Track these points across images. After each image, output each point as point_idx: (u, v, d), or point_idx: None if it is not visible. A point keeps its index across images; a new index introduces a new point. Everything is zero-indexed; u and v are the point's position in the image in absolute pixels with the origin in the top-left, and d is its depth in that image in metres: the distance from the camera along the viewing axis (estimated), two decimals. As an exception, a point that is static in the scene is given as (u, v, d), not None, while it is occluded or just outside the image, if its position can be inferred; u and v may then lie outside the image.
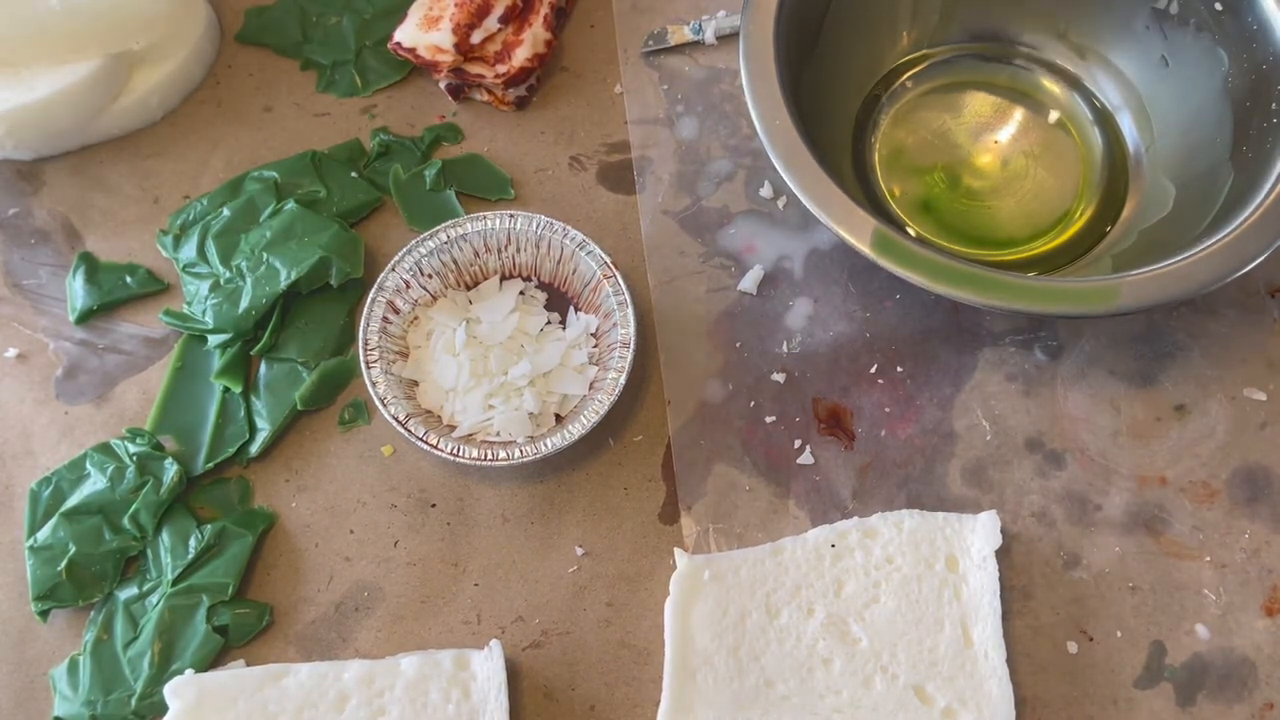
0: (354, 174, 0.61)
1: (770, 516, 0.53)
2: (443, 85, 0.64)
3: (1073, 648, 0.50)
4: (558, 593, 0.52)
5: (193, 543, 0.52)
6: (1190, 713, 0.49)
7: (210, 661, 0.50)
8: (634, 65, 0.65)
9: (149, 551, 0.52)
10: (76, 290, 0.59)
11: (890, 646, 0.48)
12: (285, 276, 0.56)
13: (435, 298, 0.56)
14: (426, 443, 0.51)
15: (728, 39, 0.65)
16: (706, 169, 0.62)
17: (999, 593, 0.49)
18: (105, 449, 0.54)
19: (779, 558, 0.50)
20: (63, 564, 0.51)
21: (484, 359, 0.54)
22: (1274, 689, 0.49)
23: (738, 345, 0.57)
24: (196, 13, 0.64)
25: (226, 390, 0.56)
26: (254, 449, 0.54)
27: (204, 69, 0.65)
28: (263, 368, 0.56)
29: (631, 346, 0.52)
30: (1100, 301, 0.49)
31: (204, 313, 0.57)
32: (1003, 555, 0.50)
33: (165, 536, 0.52)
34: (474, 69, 0.62)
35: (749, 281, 0.58)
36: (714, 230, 0.60)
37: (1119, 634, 0.50)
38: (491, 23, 0.61)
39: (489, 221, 0.55)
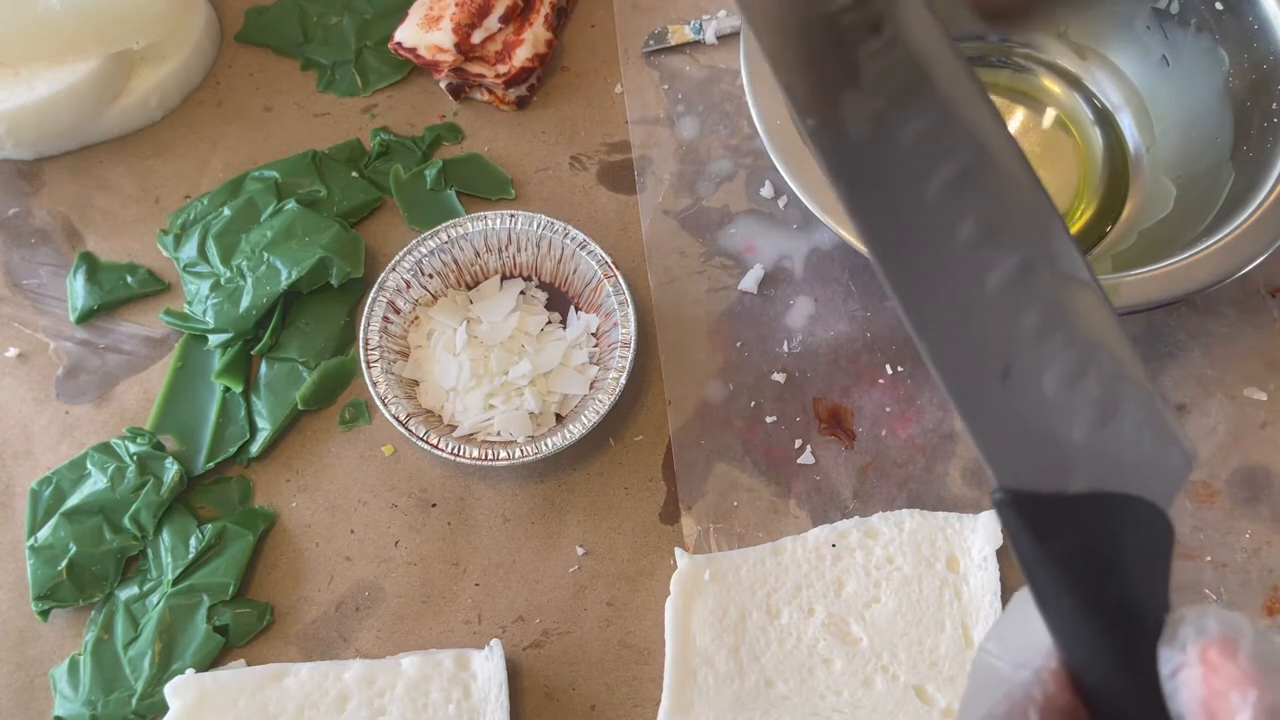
0: (354, 174, 0.61)
1: (771, 516, 0.53)
2: (443, 85, 0.64)
3: (1073, 647, 0.50)
4: (558, 592, 0.52)
5: (193, 542, 0.52)
6: (1191, 712, 0.49)
7: (211, 661, 0.50)
8: (634, 65, 0.65)
9: (149, 551, 0.52)
10: (77, 290, 0.59)
11: (891, 646, 0.48)
12: (286, 276, 0.56)
13: (436, 297, 0.56)
14: (427, 442, 0.51)
15: (728, 39, 0.65)
16: (707, 169, 0.61)
17: (1000, 593, 0.49)
18: (106, 449, 0.54)
19: (779, 558, 0.50)
20: (63, 564, 0.51)
21: (484, 359, 0.54)
22: (1274, 689, 0.49)
23: (738, 345, 0.57)
24: (196, 13, 0.64)
25: (227, 390, 0.56)
26: (254, 449, 0.54)
27: (204, 69, 0.65)
28: (263, 367, 0.56)
29: (632, 346, 0.52)
30: (1101, 301, 0.49)
31: (205, 312, 0.57)
32: (1004, 555, 0.50)
33: (166, 536, 0.52)
34: (475, 69, 0.62)
35: (750, 281, 0.58)
36: (715, 230, 0.60)
37: (1119, 634, 0.50)
38: (492, 22, 0.61)
39: (489, 221, 0.55)
